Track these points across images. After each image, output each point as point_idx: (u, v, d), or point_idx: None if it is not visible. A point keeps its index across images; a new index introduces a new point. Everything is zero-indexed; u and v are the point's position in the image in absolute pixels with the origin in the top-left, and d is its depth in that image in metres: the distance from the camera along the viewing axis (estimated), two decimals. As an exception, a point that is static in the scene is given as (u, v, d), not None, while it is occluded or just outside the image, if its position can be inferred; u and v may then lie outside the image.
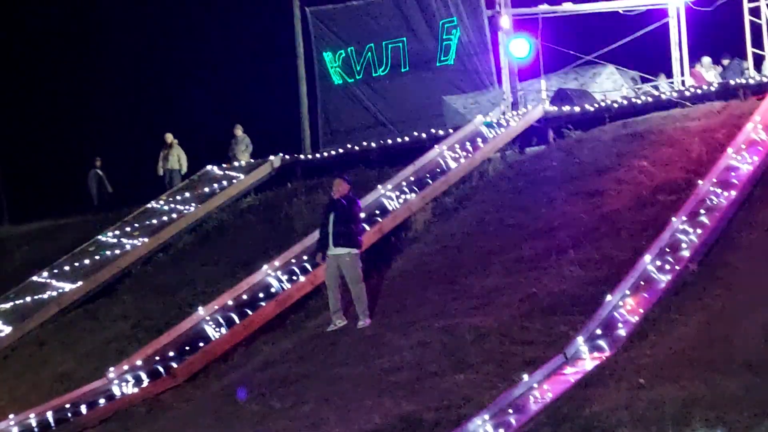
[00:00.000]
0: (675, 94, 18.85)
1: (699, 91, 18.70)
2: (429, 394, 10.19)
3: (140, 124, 33.48)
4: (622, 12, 21.94)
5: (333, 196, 13.33)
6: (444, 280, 13.54)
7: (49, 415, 13.09)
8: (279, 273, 14.83)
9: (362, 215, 14.51)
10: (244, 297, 14.55)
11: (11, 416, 13.19)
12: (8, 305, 18.62)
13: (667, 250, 12.00)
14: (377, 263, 14.84)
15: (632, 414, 8.71)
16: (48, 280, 19.01)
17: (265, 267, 14.92)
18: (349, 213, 13.06)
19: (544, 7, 21.78)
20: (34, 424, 13.00)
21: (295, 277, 14.74)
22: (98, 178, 25.85)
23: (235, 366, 13.27)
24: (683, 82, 21.07)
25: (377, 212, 16.02)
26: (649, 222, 13.20)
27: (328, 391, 10.92)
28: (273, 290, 14.60)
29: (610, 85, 22.21)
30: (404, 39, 24.80)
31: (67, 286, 18.35)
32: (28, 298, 18.56)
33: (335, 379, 11.24)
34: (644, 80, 22.65)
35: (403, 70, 24.81)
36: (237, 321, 14.10)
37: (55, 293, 18.36)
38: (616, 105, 19.04)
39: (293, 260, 15.04)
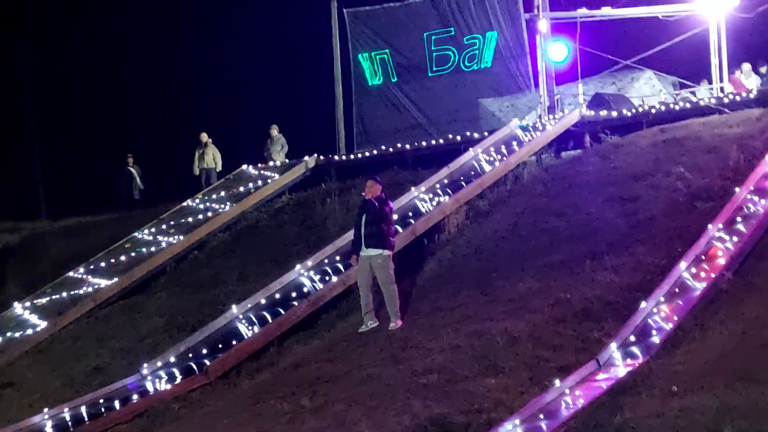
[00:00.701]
0: (714, 101, 18.70)
1: (738, 98, 18.54)
2: (459, 398, 10.17)
3: (177, 123, 33.69)
4: (661, 17, 21.76)
5: (365, 197, 13.35)
6: (476, 283, 13.52)
7: (83, 409, 13.19)
8: (311, 273, 14.89)
9: (395, 217, 14.53)
10: (277, 296, 14.62)
11: (45, 410, 13.30)
12: (44, 300, 18.83)
13: (703, 257, 11.91)
14: (410, 265, 14.85)
15: (664, 422, 8.65)
16: (84, 276, 19.21)
17: (297, 267, 14.98)
18: (380, 214, 13.07)
19: (582, 10, 21.66)
20: (67, 417, 13.10)
21: (327, 278, 14.78)
22: (129, 175, 25.87)
23: (267, 365, 13.32)
24: (722, 89, 20.88)
25: (410, 214, 16.02)
26: (684, 229, 13.10)
27: (358, 392, 10.93)
28: (305, 290, 14.66)
29: (649, 90, 22.05)
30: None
31: (103, 282, 18.52)
32: (64, 293, 18.75)
33: (365, 380, 11.25)
34: (683, 86, 22.48)
35: (438, 72, 24.82)
36: (269, 320, 14.16)
37: (90, 289, 18.54)
38: (653, 110, 18.91)
39: (326, 260, 15.10)
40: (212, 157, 24.21)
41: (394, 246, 13.41)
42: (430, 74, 24.87)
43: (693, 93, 21.67)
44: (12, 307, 18.85)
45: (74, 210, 26.55)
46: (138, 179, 25.87)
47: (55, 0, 35.65)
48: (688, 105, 19.00)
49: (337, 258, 15.01)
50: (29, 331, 17.59)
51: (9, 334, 17.77)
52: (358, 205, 13.77)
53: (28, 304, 18.82)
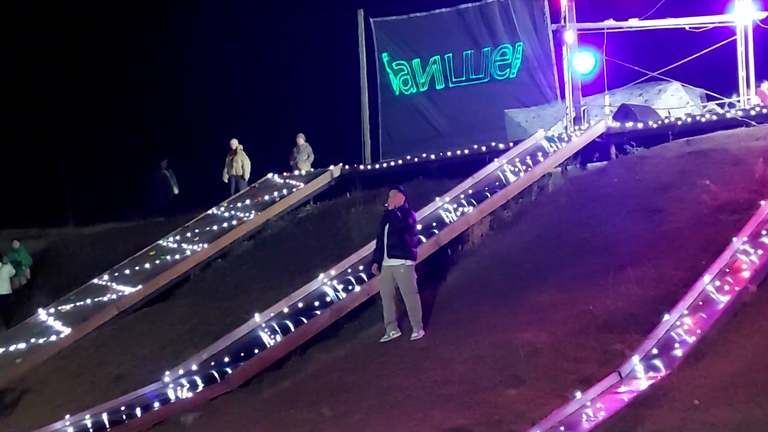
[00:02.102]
0: (740, 113, 18.58)
1: (765, 111, 18.41)
2: (480, 408, 10.13)
3: (204, 131, 33.84)
4: (688, 29, 21.69)
5: (387, 207, 13.32)
6: (499, 294, 13.47)
7: (105, 416, 13.24)
8: (335, 282, 14.88)
9: (419, 227, 14.51)
10: (300, 305, 14.62)
11: (67, 416, 13.37)
12: (69, 306, 18.93)
13: (727, 270, 11.82)
14: (433, 275, 14.82)
15: (685, 435, 8.59)
16: (108, 283, 19.30)
17: (321, 276, 14.98)
18: (403, 224, 13.03)
19: (609, 22, 21.63)
20: (89, 424, 13.16)
21: (350, 287, 14.77)
22: (164, 179, 25.52)
23: (289, 373, 13.33)
24: (749, 101, 20.75)
25: (434, 224, 15.97)
26: (709, 241, 13.00)
27: (378, 402, 10.92)
28: (328, 299, 14.65)
29: (676, 102, 21.96)
30: (467, 52, 24.82)
31: (127, 289, 18.60)
32: (89, 300, 18.85)
33: (386, 390, 11.23)
34: (710, 98, 22.36)
35: (465, 82, 24.82)
36: (292, 329, 14.16)
37: (114, 296, 18.61)
38: (679, 122, 18.82)
39: (349, 270, 15.07)
40: (240, 165, 24.07)
41: (417, 256, 13.37)
42: (451, 85, 24.89)
43: (721, 105, 21.52)
44: (36, 314, 18.98)
45: (100, 217, 26.69)
46: (171, 183, 25.51)
47: (82, 6, 35.93)
48: (714, 117, 18.90)
49: (361, 267, 14.99)
50: (53, 338, 17.70)
51: (33, 340, 17.89)
52: (381, 214, 13.72)
53: (52, 310, 18.95)
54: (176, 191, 25.57)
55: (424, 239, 15.34)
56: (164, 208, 24.99)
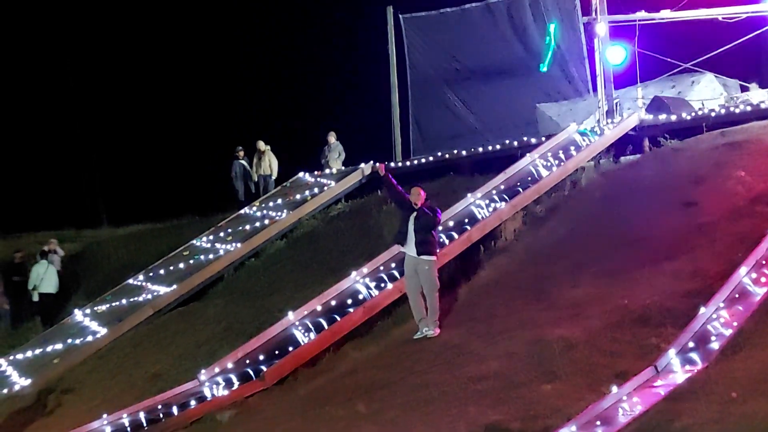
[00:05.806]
0: (773, 104, 18.39)
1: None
2: (515, 404, 10.10)
3: (235, 131, 33.96)
4: (721, 19, 21.45)
5: (415, 204, 13.30)
6: (533, 289, 13.42)
7: (142, 415, 13.32)
8: (367, 280, 14.88)
9: (450, 223, 14.50)
10: (333, 303, 14.63)
11: (105, 415, 13.46)
12: (105, 307, 19.08)
13: (764, 262, 11.70)
14: (466, 271, 14.78)
15: (723, 428, 8.50)
16: (143, 283, 19.41)
17: (353, 273, 14.99)
18: (433, 222, 13.14)
19: (641, 13, 21.44)
20: (126, 423, 13.24)
21: (382, 284, 14.76)
22: (243, 169, 24.29)
23: (323, 371, 13.34)
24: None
25: (466, 220, 15.93)
26: (745, 233, 12.88)
27: (413, 398, 10.90)
28: (361, 297, 14.65)
29: (709, 93, 21.73)
30: (497, 46, 24.72)
31: (162, 289, 18.70)
32: (124, 300, 18.98)
33: (421, 386, 11.21)
34: (744, 89, 22.12)
35: (495, 77, 24.71)
36: (325, 326, 14.18)
37: (150, 296, 18.72)
38: (713, 114, 18.64)
39: (381, 267, 15.07)
40: (269, 164, 23.84)
41: (438, 254, 13.37)
42: (482, 80, 24.77)
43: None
44: (73, 314, 19.15)
45: (135, 218, 26.85)
46: (251, 173, 24.24)
47: (111, 11, 36.20)
48: (748, 108, 18.69)
49: (393, 264, 14.98)
50: (89, 338, 17.85)
51: (70, 340, 18.05)
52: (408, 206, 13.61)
53: (88, 311, 19.11)
54: (256, 179, 24.26)
55: (456, 235, 15.31)
56: (245, 200, 23.83)
